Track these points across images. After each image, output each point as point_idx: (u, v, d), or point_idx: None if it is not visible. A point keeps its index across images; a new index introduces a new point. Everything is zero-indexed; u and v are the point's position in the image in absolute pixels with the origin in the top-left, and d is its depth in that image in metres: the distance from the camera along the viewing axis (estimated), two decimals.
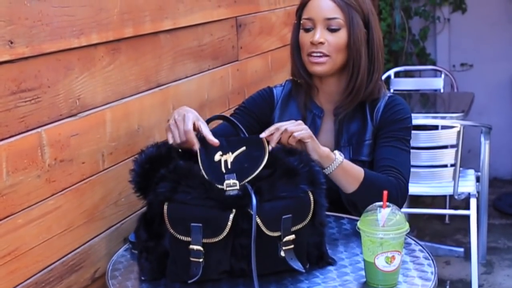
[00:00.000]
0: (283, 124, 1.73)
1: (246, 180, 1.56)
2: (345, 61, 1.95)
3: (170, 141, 1.68)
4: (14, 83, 1.51)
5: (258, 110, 2.08)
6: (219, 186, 1.54)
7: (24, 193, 1.55)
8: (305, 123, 1.80)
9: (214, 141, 1.65)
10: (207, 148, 1.65)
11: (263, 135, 1.71)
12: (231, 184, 1.54)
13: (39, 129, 1.59)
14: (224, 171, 1.58)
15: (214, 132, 1.72)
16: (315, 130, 1.97)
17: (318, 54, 1.92)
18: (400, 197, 1.84)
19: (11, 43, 1.49)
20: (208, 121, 1.75)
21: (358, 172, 1.81)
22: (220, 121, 1.95)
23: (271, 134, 1.71)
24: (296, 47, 2.00)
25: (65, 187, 1.70)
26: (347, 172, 1.79)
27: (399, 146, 1.94)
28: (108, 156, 1.87)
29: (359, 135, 1.98)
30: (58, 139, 1.66)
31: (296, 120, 1.77)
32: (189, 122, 1.66)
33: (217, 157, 1.62)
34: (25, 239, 1.57)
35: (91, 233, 1.82)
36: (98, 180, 1.83)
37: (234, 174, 1.57)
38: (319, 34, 1.91)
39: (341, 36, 1.92)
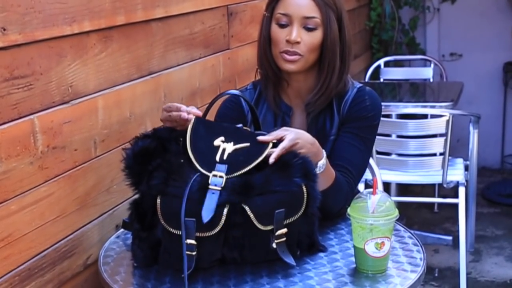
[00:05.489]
0: (286, 140, 1.64)
1: (234, 175, 1.54)
2: (316, 60, 1.92)
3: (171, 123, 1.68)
4: (7, 70, 1.52)
5: (232, 123, 1.90)
6: (205, 172, 1.53)
7: (17, 180, 1.56)
8: (276, 120, 1.83)
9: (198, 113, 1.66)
10: (212, 128, 1.64)
11: (268, 138, 1.64)
12: (218, 176, 1.53)
13: (31, 116, 1.60)
14: (217, 160, 1.57)
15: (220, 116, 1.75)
16: None
17: (292, 54, 1.88)
18: (348, 201, 1.76)
19: (4, 30, 1.49)
20: (217, 98, 1.74)
21: (332, 172, 1.81)
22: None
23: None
24: (268, 41, 1.95)
25: (58, 174, 1.70)
26: (326, 171, 1.78)
27: (358, 145, 1.92)
28: (100, 143, 1.87)
29: (326, 131, 1.96)
30: (50, 126, 1.67)
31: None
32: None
33: (217, 141, 1.60)
34: (18, 226, 1.57)
35: (84, 220, 1.83)
36: (90, 167, 1.84)
37: (225, 166, 1.55)
38: (296, 33, 1.87)
39: (317, 36, 1.88)
